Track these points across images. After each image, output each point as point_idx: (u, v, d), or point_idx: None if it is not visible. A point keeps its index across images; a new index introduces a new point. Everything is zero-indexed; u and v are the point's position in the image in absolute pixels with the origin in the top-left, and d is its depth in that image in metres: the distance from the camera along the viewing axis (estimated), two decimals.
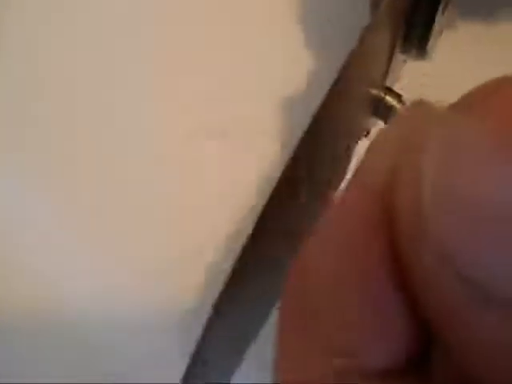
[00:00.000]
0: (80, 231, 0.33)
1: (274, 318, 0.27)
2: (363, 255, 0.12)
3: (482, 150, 0.10)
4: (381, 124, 0.24)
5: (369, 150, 0.12)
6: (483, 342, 0.11)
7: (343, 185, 0.14)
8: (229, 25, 0.35)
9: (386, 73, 0.22)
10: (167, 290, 0.33)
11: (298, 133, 0.33)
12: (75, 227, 0.33)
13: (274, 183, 0.29)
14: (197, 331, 0.33)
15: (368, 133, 0.24)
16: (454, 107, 0.13)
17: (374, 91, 0.22)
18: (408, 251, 0.11)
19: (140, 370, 0.32)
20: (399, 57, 0.23)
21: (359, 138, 0.23)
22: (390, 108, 0.23)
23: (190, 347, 0.33)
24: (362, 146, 0.23)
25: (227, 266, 0.33)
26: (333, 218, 0.13)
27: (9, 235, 0.33)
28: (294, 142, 0.21)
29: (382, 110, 0.23)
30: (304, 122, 0.32)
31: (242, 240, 0.33)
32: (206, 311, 0.33)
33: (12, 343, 0.32)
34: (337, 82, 0.19)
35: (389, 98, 0.23)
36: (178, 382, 0.32)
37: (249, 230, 0.33)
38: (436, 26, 0.21)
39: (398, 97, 0.23)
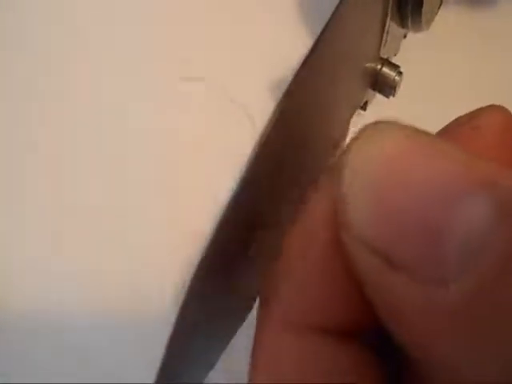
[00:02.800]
0: (80, 232, 0.33)
1: None
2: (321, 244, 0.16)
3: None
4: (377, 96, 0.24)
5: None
6: (396, 302, 0.13)
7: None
8: (229, 24, 0.35)
9: (380, 44, 0.22)
10: (167, 290, 0.32)
11: None
12: (75, 227, 0.33)
13: None
14: None
15: (365, 105, 0.24)
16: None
17: (370, 63, 0.22)
18: (342, 238, 0.14)
19: (140, 369, 0.32)
20: (396, 30, 0.23)
21: (355, 110, 0.23)
22: (388, 79, 0.23)
23: None
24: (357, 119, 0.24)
25: None
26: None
27: (9, 235, 0.33)
28: None
29: (380, 82, 0.23)
30: None
31: None
32: None
33: (12, 343, 0.32)
34: (324, 46, 0.19)
35: (386, 70, 0.23)
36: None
37: None
38: None
39: (396, 68, 0.23)
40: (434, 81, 0.32)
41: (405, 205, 0.13)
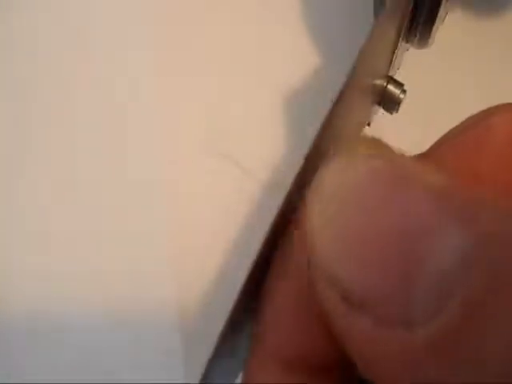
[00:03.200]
0: (80, 231, 0.33)
1: None
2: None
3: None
4: (382, 112, 0.25)
5: None
6: (358, 342, 0.13)
7: None
8: (229, 25, 0.35)
9: (390, 63, 0.23)
10: (168, 290, 0.32)
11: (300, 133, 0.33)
12: (75, 227, 0.33)
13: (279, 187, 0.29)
14: (197, 331, 0.33)
15: (370, 122, 0.25)
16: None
17: (379, 81, 0.23)
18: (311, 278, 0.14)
19: (140, 369, 0.32)
20: (403, 46, 0.23)
21: (364, 127, 0.24)
22: (392, 97, 0.24)
23: (191, 347, 0.33)
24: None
25: (229, 266, 0.33)
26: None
27: (8, 235, 0.33)
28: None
29: (385, 99, 0.24)
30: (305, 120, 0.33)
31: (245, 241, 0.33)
32: (207, 312, 0.33)
33: (12, 343, 0.32)
34: (350, 79, 0.20)
35: (391, 87, 0.24)
36: (178, 381, 0.32)
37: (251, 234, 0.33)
38: (440, 14, 0.22)
39: (400, 86, 0.24)
40: (438, 91, 0.33)
41: (371, 240, 0.13)
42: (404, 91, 0.24)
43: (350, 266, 0.13)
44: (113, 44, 0.34)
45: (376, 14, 0.25)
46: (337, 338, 0.14)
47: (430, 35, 0.23)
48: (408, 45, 0.24)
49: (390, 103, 0.24)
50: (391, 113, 0.24)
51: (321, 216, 0.13)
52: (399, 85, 0.24)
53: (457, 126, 0.17)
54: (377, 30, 0.19)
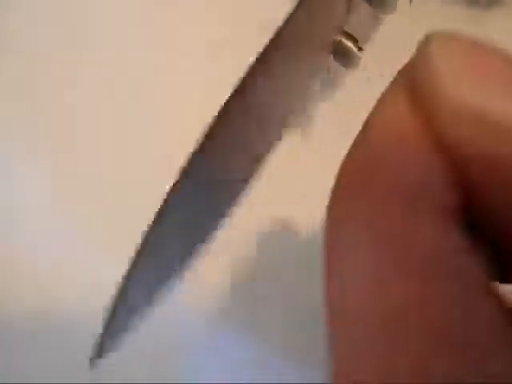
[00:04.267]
0: (80, 231, 0.33)
1: None
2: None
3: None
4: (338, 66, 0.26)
5: None
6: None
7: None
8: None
9: (345, 16, 0.24)
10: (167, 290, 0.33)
11: None
12: (76, 226, 0.33)
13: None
14: (197, 331, 0.33)
15: (327, 71, 0.26)
16: None
17: (333, 34, 0.24)
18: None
19: (140, 369, 0.32)
20: (366, 8, 0.25)
21: (319, 74, 0.25)
22: (347, 51, 0.25)
23: (191, 347, 0.33)
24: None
25: (229, 263, 0.33)
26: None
27: (8, 234, 0.33)
28: None
29: (340, 53, 0.25)
30: None
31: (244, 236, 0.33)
32: (208, 309, 0.32)
33: (12, 343, 0.32)
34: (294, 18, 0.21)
35: (346, 41, 0.25)
36: (178, 381, 0.32)
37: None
38: None
39: (355, 41, 0.25)
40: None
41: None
42: (360, 48, 0.25)
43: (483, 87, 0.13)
44: (113, 43, 0.35)
45: None
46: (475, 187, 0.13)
47: None
48: (372, 10, 0.25)
49: (345, 58, 0.25)
50: (348, 67, 0.25)
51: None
52: (354, 40, 0.25)
53: None
54: None
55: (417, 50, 0.14)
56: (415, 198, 0.13)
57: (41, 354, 0.32)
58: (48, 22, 0.35)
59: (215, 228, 0.24)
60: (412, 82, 0.14)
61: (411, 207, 0.13)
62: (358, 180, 0.14)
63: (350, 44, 0.25)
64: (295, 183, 0.32)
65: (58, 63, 0.35)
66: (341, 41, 0.25)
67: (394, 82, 0.14)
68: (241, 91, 0.21)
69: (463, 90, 0.13)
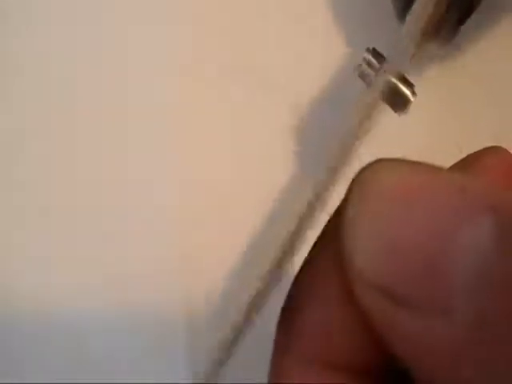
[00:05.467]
0: (82, 231, 0.34)
1: None
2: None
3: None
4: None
5: None
6: (404, 337, 0.14)
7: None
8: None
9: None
10: (168, 290, 0.33)
11: None
12: (79, 225, 0.34)
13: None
14: (197, 331, 0.33)
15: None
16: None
17: (391, 77, 0.23)
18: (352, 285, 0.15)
19: (141, 370, 0.33)
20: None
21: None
22: (402, 96, 0.24)
23: (191, 347, 0.33)
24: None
25: (229, 265, 0.33)
26: None
27: (8, 234, 0.33)
28: None
29: (394, 98, 0.24)
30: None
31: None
32: (207, 311, 0.33)
33: (12, 343, 0.33)
34: None
35: (402, 86, 0.24)
36: (178, 381, 0.32)
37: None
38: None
39: (411, 86, 0.24)
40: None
41: (407, 238, 0.13)
42: (414, 93, 0.24)
43: (388, 265, 0.14)
44: (118, 45, 0.35)
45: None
46: (379, 336, 0.14)
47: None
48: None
49: (398, 103, 0.24)
50: (399, 113, 0.24)
51: (357, 218, 0.14)
52: (410, 85, 0.24)
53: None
54: None
55: (347, 189, 0.15)
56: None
57: (41, 354, 0.33)
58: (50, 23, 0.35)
59: None
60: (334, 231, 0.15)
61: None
62: None
63: (406, 90, 0.24)
64: None
65: (59, 66, 0.35)
66: (397, 85, 0.24)
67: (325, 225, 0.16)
68: None
69: (368, 260, 0.14)
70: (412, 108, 0.22)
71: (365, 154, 0.16)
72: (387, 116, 0.21)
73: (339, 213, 0.15)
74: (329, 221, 0.16)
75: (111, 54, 0.34)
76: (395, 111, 0.24)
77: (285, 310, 0.17)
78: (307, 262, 0.17)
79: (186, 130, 0.34)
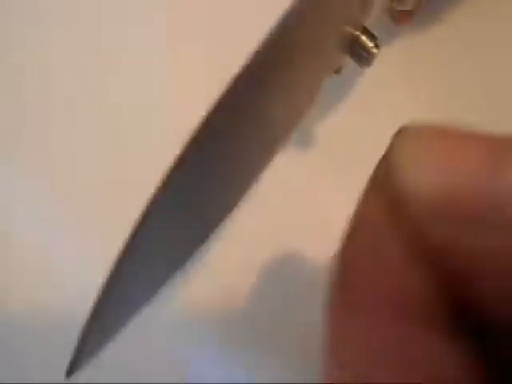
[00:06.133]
0: (83, 230, 0.33)
1: None
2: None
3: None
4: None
5: None
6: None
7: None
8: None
9: (366, 12, 0.23)
10: (168, 290, 0.32)
11: None
12: (76, 225, 0.33)
13: None
14: (197, 331, 0.32)
15: (339, 70, 0.24)
16: None
17: (351, 29, 0.23)
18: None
19: (140, 369, 0.32)
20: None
21: (330, 73, 0.23)
22: (365, 48, 0.23)
23: (191, 347, 0.32)
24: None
25: (229, 264, 0.33)
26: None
27: (8, 233, 0.33)
28: None
29: (357, 50, 0.23)
30: None
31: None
32: (208, 310, 0.32)
33: (12, 343, 0.32)
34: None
35: (364, 38, 0.23)
36: (179, 381, 0.31)
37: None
38: None
39: (374, 38, 0.23)
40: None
41: (465, 162, 0.13)
42: (377, 46, 0.23)
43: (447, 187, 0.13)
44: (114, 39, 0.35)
45: None
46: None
47: None
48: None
49: (361, 55, 0.23)
50: (362, 67, 0.24)
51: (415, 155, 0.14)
52: (373, 37, 0.23)
53: None
54: None
55: (389, 145, 0.14)
56: (403, 307, 0.14)
57: (41, 354, 0.32)
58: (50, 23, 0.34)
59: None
60: (384, 179, 0.14)
61: (402, 319, 0.14)
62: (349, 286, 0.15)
63: (368, 42, 0.23)
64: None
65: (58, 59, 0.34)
66: (359, 37, 0.23)
67: (370, 179, 0.15)
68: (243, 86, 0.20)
69: (432, 185, 0.13)
70: None
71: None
72: None
73: (380, 166, 0.15)
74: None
75: (111, 54, 0.34)
76: (360, 66, 0.23)
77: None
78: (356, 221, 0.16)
79: (186, 130, 0.34)
